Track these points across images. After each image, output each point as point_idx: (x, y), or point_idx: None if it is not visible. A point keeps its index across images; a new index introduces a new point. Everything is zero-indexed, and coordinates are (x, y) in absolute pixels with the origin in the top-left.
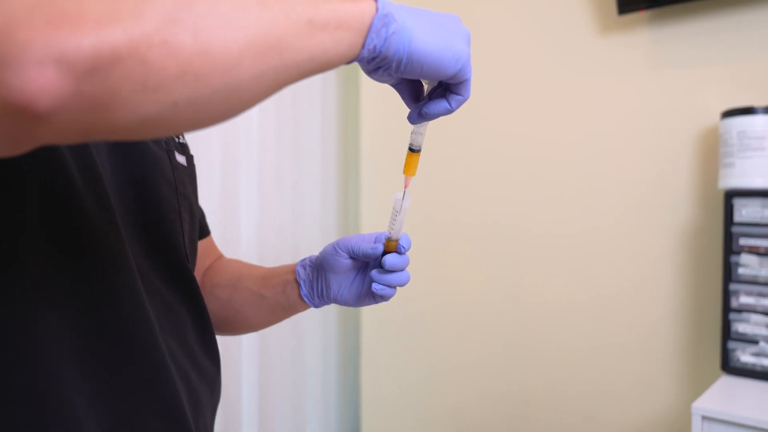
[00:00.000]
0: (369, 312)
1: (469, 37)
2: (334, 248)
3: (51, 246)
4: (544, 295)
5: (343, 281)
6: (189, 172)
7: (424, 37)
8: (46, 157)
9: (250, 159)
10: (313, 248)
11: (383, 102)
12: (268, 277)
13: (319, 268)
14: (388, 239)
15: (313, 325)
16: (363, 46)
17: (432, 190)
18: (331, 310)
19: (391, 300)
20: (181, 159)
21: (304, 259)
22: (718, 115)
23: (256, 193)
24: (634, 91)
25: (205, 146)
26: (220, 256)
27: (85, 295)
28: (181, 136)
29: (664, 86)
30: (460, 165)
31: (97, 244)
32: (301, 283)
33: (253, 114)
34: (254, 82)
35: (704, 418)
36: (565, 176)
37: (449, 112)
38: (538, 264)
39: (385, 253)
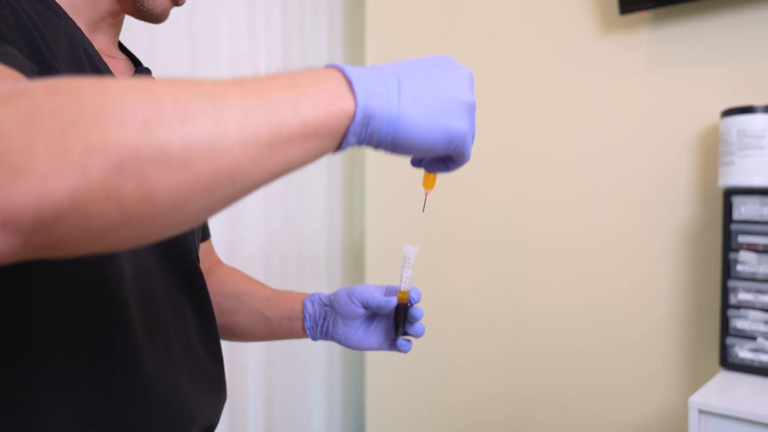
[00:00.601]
0: None
1: (467, 102)
2: (350, 298)
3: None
4: (544, 295)
5: (350, 325)
6: None
7: (411, 125)
8: None
9: None
10: (318, 246)
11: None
12: (273, 299)
13: (329, 309)
14: (400, 291)
15: None
16: (340, 146)
17: (434, 192)
18: None
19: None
20: None
21: (313, 295)
22: (718, 115)
23: (262, 192)
24: (635, 90)
25: None
26: (219, 262)
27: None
28: None
29: (664, 86)
30: (466, 166)
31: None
32: (307, 317)
33: (260, 70)
34: (203, 213)
35: (701, 411)
36: (566, 176)
37: (448, 171)
38: (539, 264)
39: (398, 305)
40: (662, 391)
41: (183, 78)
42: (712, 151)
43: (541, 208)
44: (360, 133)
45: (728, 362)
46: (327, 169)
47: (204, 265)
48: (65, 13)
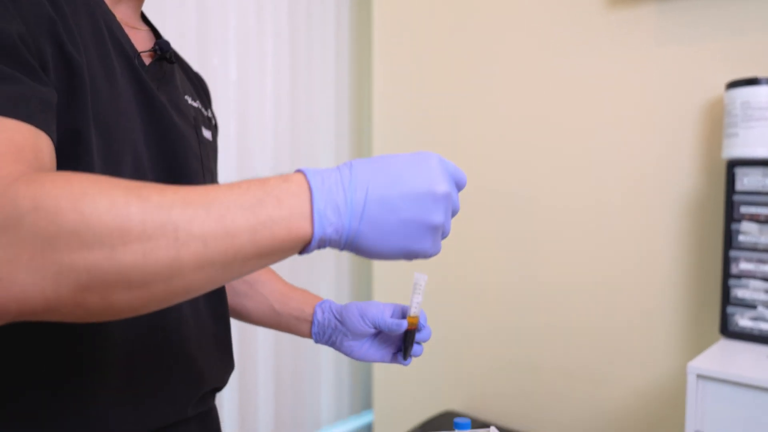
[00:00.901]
0: (381, 286)
1: (432, 225)
2: (362, 318)
3: None
4: (552, 264)
5: (357, 340)
6: (213, 146)
7: (368, 245)
8: (105, 139)
9: (264, 84)
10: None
11: (395, 30)
12: (286, 295)
13: (338, 323)
14: (410, 316)
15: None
16: (303, 252)
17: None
18: (345, 284)
19: (404, 274)
20: (207, 134)
21: (324, 303)
22: (723, 88)
23: (272, 134)
24: (642, 64)
25: (221, 89)
26: None
27: None
28: (208, 110)
29: (671, 59)
30: (474, 141)
31: None
32: (315, 323)
33: (267, 51)
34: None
35: (699, 376)
36: (575, 149)
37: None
38: (547, 234)
39: (408, 330)
40: (664, 358)
41: (156, 193)
42: (717, 123)
43: (550, 180)
44: (318, 248)
45: (728, 330)
46: (335, 101)
47: None
48: None
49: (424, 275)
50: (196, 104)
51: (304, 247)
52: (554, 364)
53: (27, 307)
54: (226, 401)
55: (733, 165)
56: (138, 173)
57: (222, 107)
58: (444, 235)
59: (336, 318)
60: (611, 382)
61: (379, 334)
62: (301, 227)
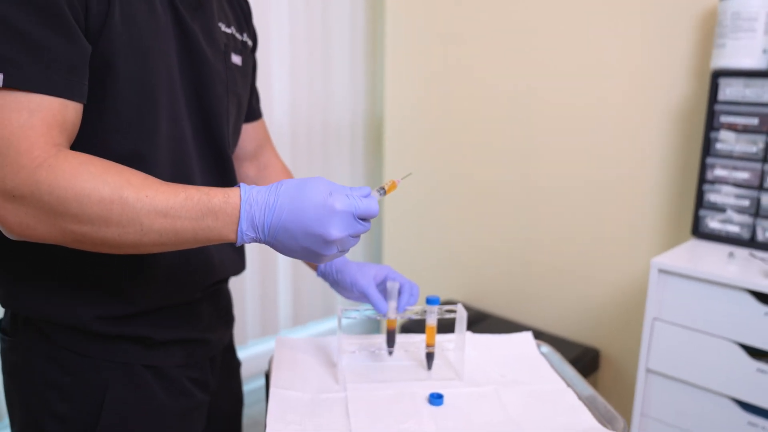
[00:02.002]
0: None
1: (325, 253)
2: (352, 287)
3: (132, 129)
4: (548, 168)
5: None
6: (243, 71)
7: (279, 251)
8: (143, 66)
9: (281, 33)
10: (341, 120)
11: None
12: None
13: (335, 281)
14: (389, 320)
15: None
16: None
17: (451, 70)
18: (359, 156)
19: (411, 171)
20: (236, 59)
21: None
22: None
23: (287, 62)
24: None
25: None
26: (273, 153)
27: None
28: (245, 32)
29: None
30: (477, 45)
31: (169, 131)
32: (319, 270)
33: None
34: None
35: (660, 271)
36: (572, 57)
37: None
38: (544, 138)
39: (388, 330)
40: (641, 255)
41: (134, 194)
42: (710, 33)
43: (548, 88)
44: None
45: (699, 231)
46: (349, 46)
47: (251, 144)
48: None
49: (396, 283)
50: (230, 30)
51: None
52: (544, 261)
53: (34, 240)
54: (248, 290)
55: (717, 75)
56: (171, 94)
57: None
58: (343, 253)
59: (334, 277)
60: (595, 276)
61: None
62: (228, 236)
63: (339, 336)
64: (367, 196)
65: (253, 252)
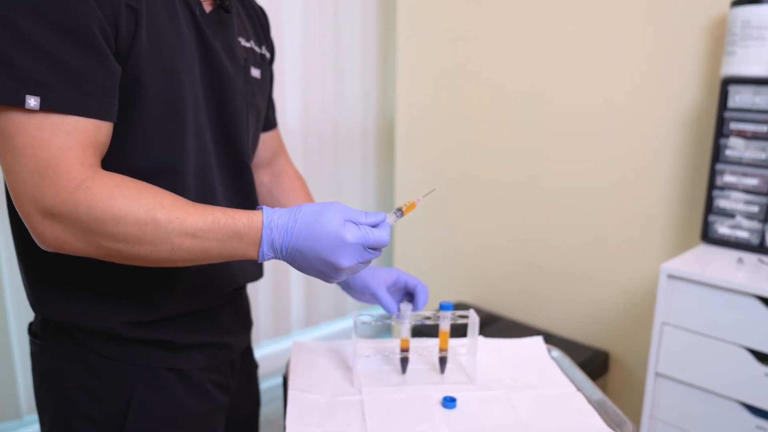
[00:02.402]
0: (402, 184)
1: (335, 277)
2: (363, 290)
3: (164, 142)
4: (556, 167)
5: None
6: (262, 83)
7: (295, 268)
8: (171, 83)
9: (294, 38)
10: (352, 124)
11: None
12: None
13: (346, 282)
14: (402, 339)
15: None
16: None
17: (460, 75)
18: (370, 190)
19: (422, 173)
20: (255, 73)
21: None
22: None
23: (300, 68)
24: None
25: None
26: (287, 160)
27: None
28: (263, 45)
29: None
30: (486, 50)
31: (194, 143)
32: None
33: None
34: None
35: (669, 276)
36: (583, 62)
37: None
38: (553, 137)
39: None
40: (651, 259)
41: (166, 216)
42: (721, 41)
43: (558, 91)
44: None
45: (708, 236)
46: (361, 51)
47: (267, 152)
48: None
49: (409, 305)
50: (249, 44)
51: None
52: (553, 264)
53: (69, 253)
54: (261, 295)
55: (727, 82)
56: (195, 109)
57: None
58: (354, 274)
59: (346, 280)
60: (601, 279)
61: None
62: (251, 255)
63: (354, 340)
64: (380, 223)
65: None
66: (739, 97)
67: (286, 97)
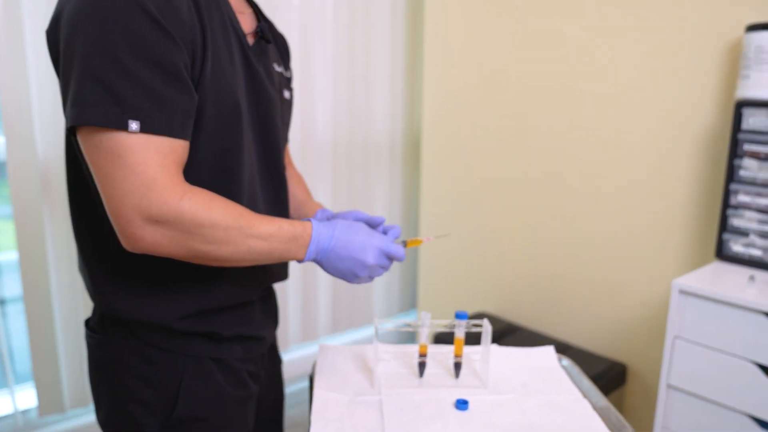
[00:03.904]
0: (427, 196)
1: (365, 265)
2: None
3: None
4: (578, 189)
5: None
6: (289, 103)
7: (332, 269)
8: (230, 106)
9: (324, 51)
10: (380, 133)
11: (445, 7)
12: (297, 210)
13: None
14: (421, 345)
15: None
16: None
17: (485, 89)
18: (397, 190)
19: (447, 185)
20: (286, 94)
21: (323, 212)
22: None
23: (330, 82)
24: (670, 4)
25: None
26: (291, 164)
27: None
28: (288, 69)
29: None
30: (512, 66)
31: (247, 157)
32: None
33: (327, 13)
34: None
35: (681, 291)
36: (604, 86)
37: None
38: (575, 157)
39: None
40: (668, 274)
41: (246, 227)
42: (736, 64)
43: (580, 113)
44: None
45: (722, 254)
46: (390, 65)
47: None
48: None
49: (428, 314)
50: (280, 69)
51: (299, 260)
52: (575, 276)
53: (158, 254)
54: (291, 302)
55: (741, 105)
56: (242, 126)
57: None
58: (371, 279)
59: None
60: (622, 293)
61: None
62: (300, 256)
63: (375, 345)
64: (397, 237)
65: (297, 266)
66: (753, 120)
67: (316, 110)
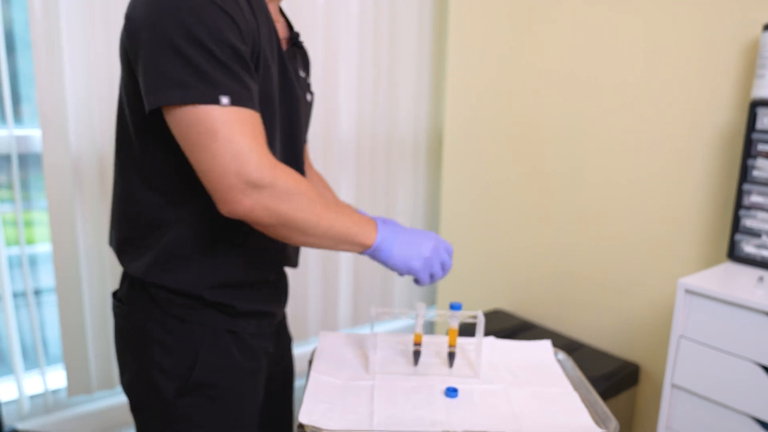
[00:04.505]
0: (448, 195)
1: (426, 259)
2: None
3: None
4: (592, 188)
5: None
6: (310, 106)
7: (394, 258)
8: (269, 103)
9: (348, 49)
10: (405, 135)
11: (469, 7)
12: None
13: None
14: (416, 333)
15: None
16: (363, 253)
17: (506, 90)
18: (421, 191)
19: (466, 184)
20: (308, 97)
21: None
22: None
23: (354, 81)
24: (688, 1)
25: (309, 42)
26: (310, 165)
27: None
28: (309, 77)
29: None
30: (531, 66)
31: (276, 149)
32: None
33: (352, 12)
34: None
35: (686, 291)
36: (620, 85)
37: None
38: (589, 154)
39: (414, 351)
40: (680, 274)
41: (325, 211)
42: (754, 64)
43: (595, 113)
44: (371, 253)
45: (734, 255)
46: (415, 63)
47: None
48: None
49: (423, 304)
50: (303, 75)
51: (365, 251)
52: (588, 275)
53: (252, 220)
54: (312, 298)
55: (755, 104)
56: (276, 121)
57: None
58: (434, 279)
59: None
60: (634, 292)
61: None
62: (371, 239)
63: (372, 333)
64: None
65: (317, 258)
66: (767, 120)
67: (341, 109)
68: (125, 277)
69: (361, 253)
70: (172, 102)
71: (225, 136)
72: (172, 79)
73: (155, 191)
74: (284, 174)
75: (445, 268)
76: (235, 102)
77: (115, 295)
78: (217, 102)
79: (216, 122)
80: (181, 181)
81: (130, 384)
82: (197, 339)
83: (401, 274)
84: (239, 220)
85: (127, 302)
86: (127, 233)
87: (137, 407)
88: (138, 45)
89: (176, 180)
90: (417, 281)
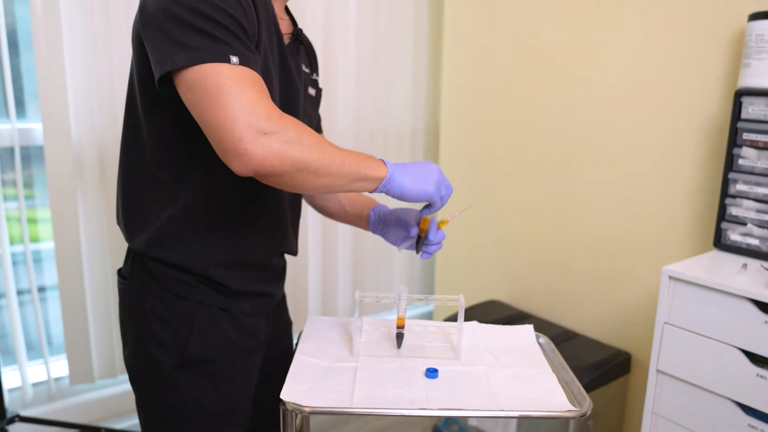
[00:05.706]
0: None
1: (437, 181)
2: (397, 224)
3: None
4: (585, 181)
5: (396, 234)
6: (315, 101)
7: (407, 186)
8: (268, 83)
9: (347, 43)
10: (402, 127)
11: (465, 0)
12: (354, 200)
13: (384, 223)
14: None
15: None
16: (376, 189)
17: (500, 81)
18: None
19: (463, 176)
20: (311, 91)
21: (377, 207)
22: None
23: (353, 74)
24: None
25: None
26: None
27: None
28: (315, 73)
29: None
30: (525, 62)
31: None
32: (371, 222)
33: (350, 5)
34: (322, 189)
35: (670, 278)
36: (609, 77)
37: (430, 212)
38: (581, 155)
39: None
40: (670, 264)
41: (334, 149)
42: (740, 54)
43: (586, 107)
44: (386, 186)
45: (720, 243)
46: (412, 57)
47: None
48: None
49: (406, 288)
50: (307, 70)
51: (378, 184)
52: (581, 267)
53: (266, 171)
54: (311, 287)
55: (740, 94)
56: None
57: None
58: (443, 201)
59: (382, 221)
60: (627, 283)
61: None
62: (383, 172)
63: (357, 316)
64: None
65: (317, 247)
66: (752, 109)
67: (339, 102)
68: (129, 253)
69: (374, 190)
70: (181, 64)
71: (234, 90)
72: (181, 44)
73: (160, 169)
74: (291, 121)
75: (449, 189)
76: (243, 62)
77: (119, 271)
78: (226, 60)
79: (225, 77)
80: (185, 157)
81: (130, 357)
82: (192, 314)
83: (416, 201)
84: (250, 179)
85: (129, 277)
86: (131, 208)
87: (136, 380)
88: (148, 23)
89: (180, 154)
90: (428, 207)
